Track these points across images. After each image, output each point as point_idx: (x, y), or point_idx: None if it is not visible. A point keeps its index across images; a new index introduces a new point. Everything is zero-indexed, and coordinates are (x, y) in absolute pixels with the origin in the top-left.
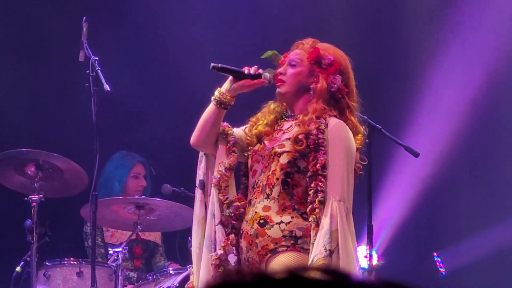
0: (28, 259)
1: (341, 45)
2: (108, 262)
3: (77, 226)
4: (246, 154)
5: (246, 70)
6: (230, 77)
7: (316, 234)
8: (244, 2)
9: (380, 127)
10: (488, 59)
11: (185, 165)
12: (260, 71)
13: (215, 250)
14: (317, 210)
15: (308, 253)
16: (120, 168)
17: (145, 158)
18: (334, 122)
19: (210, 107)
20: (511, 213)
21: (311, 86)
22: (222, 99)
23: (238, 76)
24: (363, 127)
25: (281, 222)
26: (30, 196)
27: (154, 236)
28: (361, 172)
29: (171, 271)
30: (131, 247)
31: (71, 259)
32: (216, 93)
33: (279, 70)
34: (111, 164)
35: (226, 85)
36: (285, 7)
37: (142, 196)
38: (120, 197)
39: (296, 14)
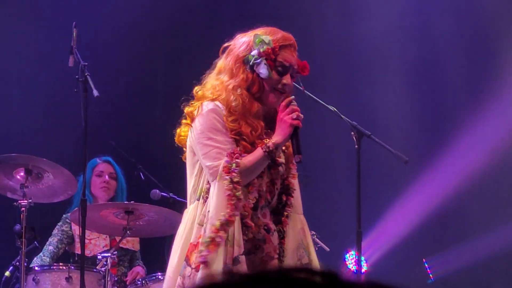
0: (17, 263)
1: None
2: (97, 267)
3: None
4: None
5: (299, 122)
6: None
7: (282, 247)
8: None
9: (370, 133)
10: None
11: (174, 171)
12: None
13: None
14: (285, 223)
15: None
16: (88, 171)
17: (134, 162)
18: None
19: (265, 160)
20: (499, 221)
21: None
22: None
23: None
24: (352, 132)
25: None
26: (19, 201)
27: (132, 243)
28: None
29: (160, 276)
30: None
31: (60, 264)
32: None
33: (287, 79)
34: None
35: (285, 144)
36: None
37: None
38: (109, 202)
39: None
